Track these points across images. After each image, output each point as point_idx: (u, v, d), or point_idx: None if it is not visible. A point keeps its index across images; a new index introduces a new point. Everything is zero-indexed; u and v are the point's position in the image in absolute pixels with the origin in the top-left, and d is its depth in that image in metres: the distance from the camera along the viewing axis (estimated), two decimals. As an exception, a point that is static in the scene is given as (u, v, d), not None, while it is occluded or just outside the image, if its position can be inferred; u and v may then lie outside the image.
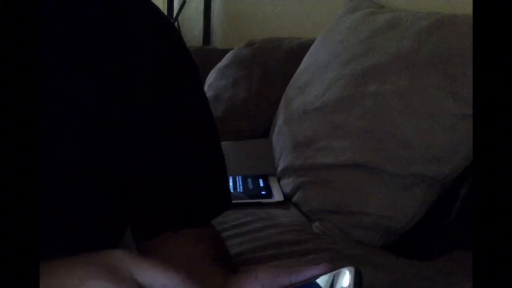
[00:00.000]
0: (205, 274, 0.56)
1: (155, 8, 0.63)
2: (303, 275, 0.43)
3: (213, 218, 0.66)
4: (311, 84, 1.31)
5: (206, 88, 1.77)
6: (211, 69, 1.81)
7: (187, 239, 0.61)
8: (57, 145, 0.54)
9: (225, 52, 1.84)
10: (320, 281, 0.42)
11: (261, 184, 1.28)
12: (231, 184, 1.29)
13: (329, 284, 0.41)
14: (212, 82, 1.76)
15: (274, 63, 1.66)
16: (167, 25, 0.64)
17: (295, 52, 1.61)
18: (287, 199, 1.21)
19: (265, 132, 1.53)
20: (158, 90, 0.60)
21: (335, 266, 0.42)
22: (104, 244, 0.46)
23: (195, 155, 0.63)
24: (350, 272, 0.40)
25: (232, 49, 1.82)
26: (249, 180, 1.30)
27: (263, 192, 1.24)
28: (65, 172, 0.54)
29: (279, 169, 1.29)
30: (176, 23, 2.39)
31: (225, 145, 1.49)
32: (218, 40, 2.36)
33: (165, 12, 2.61)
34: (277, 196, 1.22)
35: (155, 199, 0.61)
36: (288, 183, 1.22)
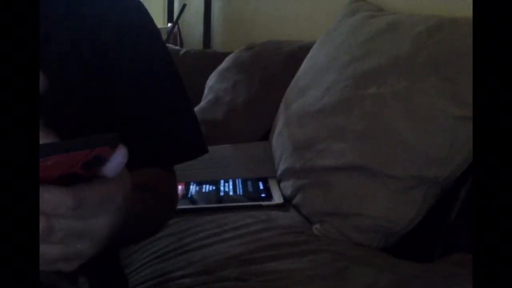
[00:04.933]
0: None
1: None
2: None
3: (181, 162, 0.74)
4: (311, 86, 1.31)
5: (206, 90, 1.78)
6: (211, 72, 1.82)
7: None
8: None
9: (225, 55, 1.85)
10: None
11: (261, 187, 1.28)
12: (231, 186, 1.29)
13: None
14: (212, 85, 1.76)
15: (274, 66, 1.66)
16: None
17: (295, 55, 1.61)
18: (287, 202, 1.21)
19: (265, 135, 1.53)
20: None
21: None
22: None
23: (167, 110, 0.73)
24: None
25: (233, 52, 1.82)
26: (249, 183, 1.30)
27: (262, 195, 1.24)
28: None
29: (279, 171, 1.29)
30: (176, 27, 2.39)
31: (225, 148, 1.50)
32: (218, 43, 2.36)
33: (165, 15, 2.61)
34: (277, 199, 1.22)
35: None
36: (288, 186, 1.22)
